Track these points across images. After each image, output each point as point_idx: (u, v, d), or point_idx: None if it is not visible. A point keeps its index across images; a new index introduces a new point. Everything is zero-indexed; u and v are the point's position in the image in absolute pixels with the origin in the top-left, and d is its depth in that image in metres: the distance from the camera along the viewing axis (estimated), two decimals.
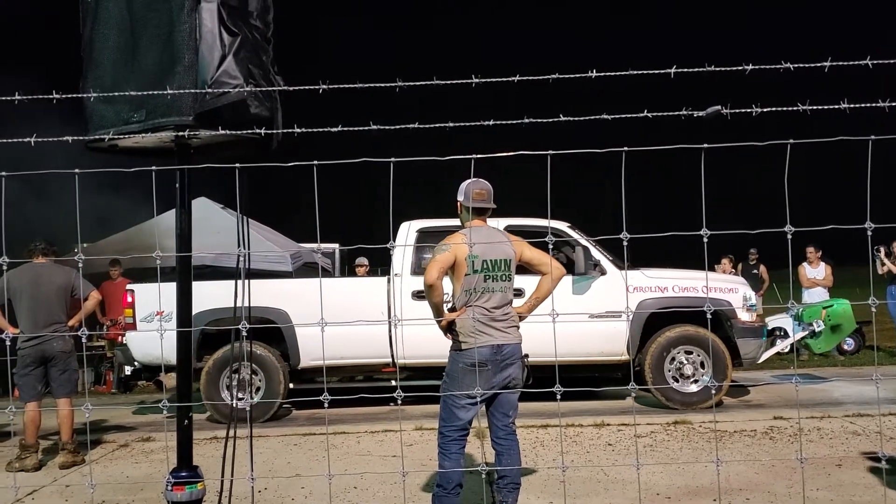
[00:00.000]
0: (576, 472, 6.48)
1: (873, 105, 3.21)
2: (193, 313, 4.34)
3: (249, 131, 3.76)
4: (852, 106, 3.22)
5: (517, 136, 4.30)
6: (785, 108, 3.33)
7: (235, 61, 3.72)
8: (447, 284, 4.90)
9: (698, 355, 9.51)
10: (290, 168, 3.66)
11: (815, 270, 14.29)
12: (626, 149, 3.39)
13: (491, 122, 3.31)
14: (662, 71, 3.29)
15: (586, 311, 9.25)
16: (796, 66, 3.18)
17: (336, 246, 14.24)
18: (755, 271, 16.16)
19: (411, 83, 3.36)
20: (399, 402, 3.62)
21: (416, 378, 10.19)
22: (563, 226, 9.70)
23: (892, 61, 3.19)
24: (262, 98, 3.85)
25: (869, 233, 3.46)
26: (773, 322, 14.69)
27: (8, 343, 3.94)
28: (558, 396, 3.63)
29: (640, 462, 6.56)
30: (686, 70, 3.25)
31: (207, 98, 3.68)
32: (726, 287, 9.90)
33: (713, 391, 9.19)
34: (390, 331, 9.51)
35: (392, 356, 9.63)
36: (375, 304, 9.57)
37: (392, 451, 7.56)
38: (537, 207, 8.56)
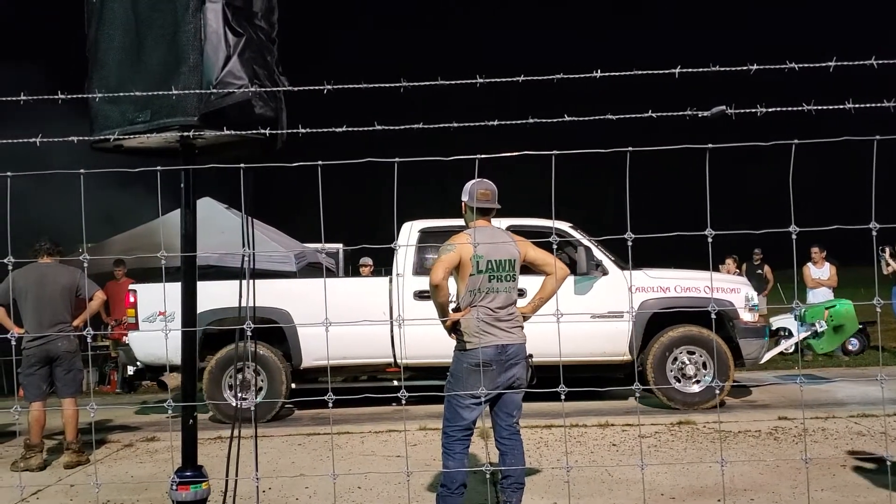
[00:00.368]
0: (580, 473, 6.48)
1: (878, 105, 3.20)
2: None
3: (254, 131, 3.77)
4: (857, 106, 3.21)
5: (519, 136, 4.30)
6: (790, 109, 3.33)
7: (240, 62, 3.73)
8: (452, 284, 4.91)
9: (700, 356, 9.51)
10: (295, 168, 3.66)
11: (820, 271, 14.28)
12: (630, 149, 3.39)
13: (495, 123, 3.31)
14: (667, 71, 3.28)
15: (588, 312, 9.25)
16: (801, 65, 3.17)
17: (340, 246, 14.23)
18: (760, 271, 16.14)
19: (415, 83, 3.36)
20: (403, 402, 3.63)
21: (419, 378, 10.20)
22: (564, 226, 9.69)
23: None
24: (266, 98, 3.86)
25: (874, 233, 3.45)
26: (777, 322, 14.68)
27: (13, 343, 3.95)
28: (562, 397, 3.62)
29: (645, 462, 6.55)
30: (690, 70, 3.24)
31: (212, 98, 3.68)
32: (728, 287, 9.90)
33: (717, 391, 9.19)
34: (392, 331, 9.52)
35: (394, 356, 9.64)
36: (377, 304, 9.58)
37: (396, 451, 7.56)
38: (539, 207, 8.57)
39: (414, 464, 6.83)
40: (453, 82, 3.31)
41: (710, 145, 3.33)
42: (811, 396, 10.13)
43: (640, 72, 3.37)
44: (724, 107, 3.32)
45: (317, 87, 3.37)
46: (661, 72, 3.32)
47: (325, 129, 3.49)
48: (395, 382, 10.70)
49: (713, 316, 3.78)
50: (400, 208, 3.77)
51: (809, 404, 9.28)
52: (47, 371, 7.59)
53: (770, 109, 3.27)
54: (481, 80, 3.24)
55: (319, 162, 3.48)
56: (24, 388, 7.67)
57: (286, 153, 4.04)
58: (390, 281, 9.76)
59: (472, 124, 3.34)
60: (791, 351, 13.41)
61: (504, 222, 8.33)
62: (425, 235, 9.78)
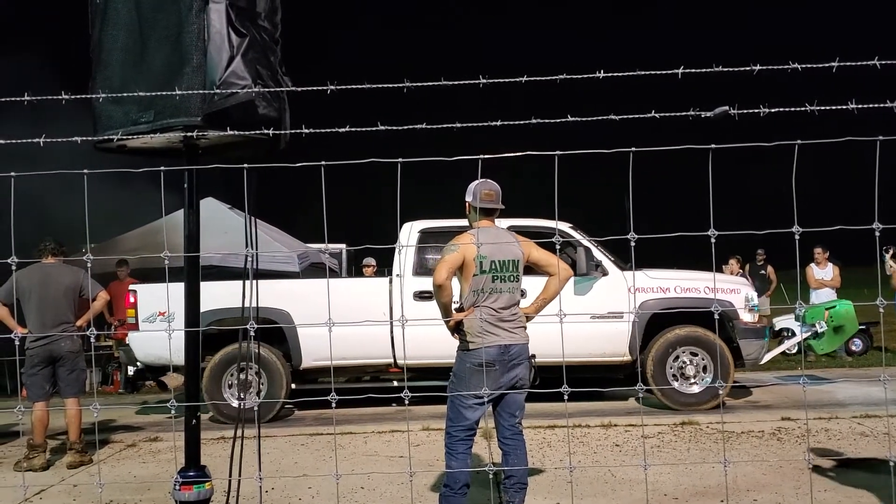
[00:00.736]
0: (583, 473, 6.48)
1: (881, 105, 3.20)
2: None
3: (257, 132, 3.77)
4: (860, 106, 3.21)
5: (521, 137, 4.30)
6: (793, 109, 3.33)
7: (244, 62, 3.73)
8: (455, 285, 4.91)
9: (701, 356, 9.51)
10: (298, 168, 3.66)
11: (823, 271, 14.27)
12: (633, 149, 3.39)
13: (499, 123, 3.31)
14: (670, 71, 3.29)
15: (588, 312, 9.24)
16: (804, 66, 3.17)
17: (343, 246, 14.25)
18: (763, 272, 16.13)
19: (419, 84, 3.37)
20: (406, 402, 3.63)
21: (419, 378, 10.21)
22: (564, 226, 9.69)
23: None
24: (270, 99, 3.86)
25: (877, 233, 3.45)
26: (780, 323, 14.67)
27: (17, 343, 3.96)
28: (566, 397, 3.63)
29: (648, 463, 6.56)
30: (693, 70, 3.24)
31: (216, 99, 3.69)
32: (728, 288, 9.90)
33: (720, 391, 9.19)
34: (392, 332, 9.53)
35: (393, 357, 9.65)
36: (377, 304, 9.58)
37: (399, 452, 7.56)
38: (539, 207, 8.58)
39: (417, 464, 6.83)
40: (456, 83, 3.32)
41: (712, 146, 3.33)
42: (814, 397, 10.12)
43: (643, 72, 3.37)
44: (727, 107, 3.32)
45: (320, 88, 3.37)
46: (664, 72, 3.33)
47: (329, 130, 3.50)
48: (395, 383, 10.70)
49: (716, 317, 3.77)
50: (403, 209, 3.78)
51: (812, 405, 9.27)
52: (50, 371, 7.60)
53: (773, 110, 3.27)
54: (484, 81, 3.24)
55: (323, 162, 3.48)
56: (27, 388, 7.68)
57: (289, 153, 4.04)
58: (390, 281, 9.77)
59: (475, 125, 3.34)
60: (794, 351, 13.40)
61: (504, 223, 8.34)
62: (425, 236, 9.78)
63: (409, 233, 9.79)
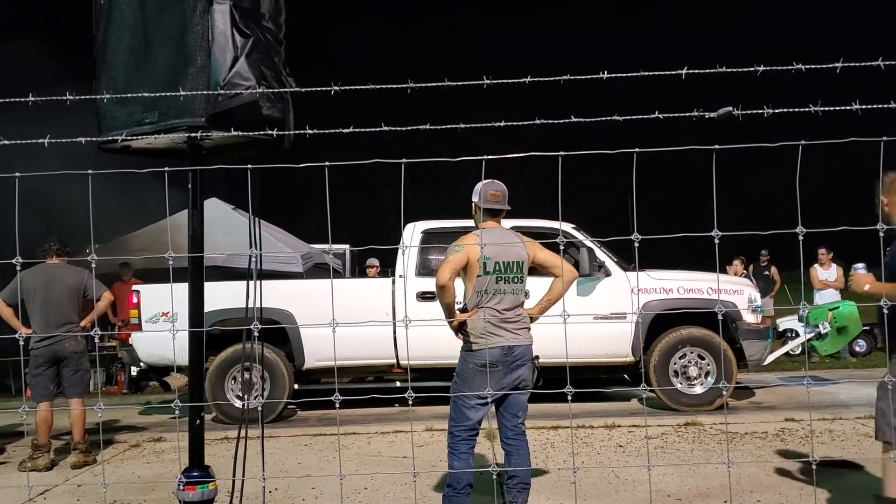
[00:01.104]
0: (586, 474, 6.48)
1: (885, 106, 3.20)
2: None
3: (261, 132, 3.77)
4: (864, 107, 3.21)
5: (522, 137, 4.30)
6: (797, 110, 3.32)
7: (248, 63, 3.74)
8: (459, 285, 4.92)
9: (703, 357, 9.50)
10: (302, 169, 3.67)
11: (827, 272, 14.25)
12: (637, 150, 3.39)
13: (502, 123, 3.31)
14: (674, 72, 3.28)
15: (591, 313, 9.24)
16: (808, 66, 3.17)
17: (347, 247, 14.26)
18: (766, 273, 16.12)
19: (422, 84, 3.37)
20: (410, 402, 3.63)
21: (422, 379, 10.21)
22: (567, 227, 9.69)
23: None
24: (273, 99, 3.87)
25: (881, 234, 3.45)
26: (784, 324, 14.65)
27: (21, 343, 3.96)
28: (569, 398, 3.63)
29: (651, 463, 6.55)
30: (697, 71, 3.24)
31: (220, 99, 3.69)
32: (731, 289, 9.89)
33: (724, 391, 9.19)
34: (395, 332, 9.53)
35: (396, 357, 9.65)
36: (380, 305, 9.58)
37: (402, 452, 7.56)
38: (542, 208, 8.57)
39: (420, 464, 6.83)
40: (460, 83, 3.32)
41: (716, 146, 3.33)
42: (818, 398, 10.11)
43: (646, 73, 3.36)
44: (730, 108, 3.32)
45: (324, 88, 3.38)
46: (667, 73, 3.32)
47: (332, 130, 3.50)
48: (398, 384, 10.71)
49: (720, 317, 3.77)
50: (407, 209, 3.78)
51: (816, 406, 9.26)
52: (55, 371, 7.61)
53: (777, 111, 3.27)
54: (489, 81, 3.25)
55: (327, 163, 3.48)
56: (31, 389, 7.70)
57: (293, 154, 4.04)
58: (393, 282, 9.77)
59: (479, 125, 3.34)
60: (798, 352, 13.39)
61: (507, 223, 8.34)
62: (428, 236, 9.78)
63: (412, 233, 9.79)
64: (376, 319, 8.94)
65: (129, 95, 3.72)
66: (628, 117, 3.30)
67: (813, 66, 3.19)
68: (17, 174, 3.46)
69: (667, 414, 9.02)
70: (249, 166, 3.58)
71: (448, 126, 3.31)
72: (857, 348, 14.33)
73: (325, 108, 3.98)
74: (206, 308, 4.31)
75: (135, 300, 9.79)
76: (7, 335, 4.50)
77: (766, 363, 10.30)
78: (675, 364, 9.46)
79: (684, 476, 6.30)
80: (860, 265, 4.97)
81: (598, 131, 3.67)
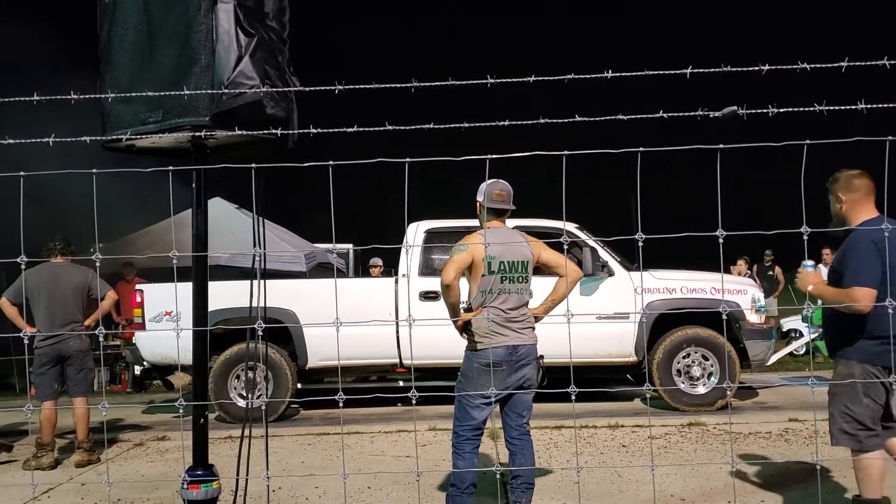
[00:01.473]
0: (590, 474, 6.47)
1: (891, 106, 3.19)
2: None
3: (265, 132, 3.77)
4: (869, 106, 3.20)
5: (526, 136, 4.30)
6: (801, 109, 3.32)
7: (252, 62, 3.74)
8: (464, 284, 4.92)
9: (707, 358, 9.50)
10: (306, 168, 3.67)
11: None
12: (641, 149, 3.38)
13: (506, 123, 3.31)
14: (679, 71, 3.28)
15: (594, 313, 9.23)
16: (813, 66, 3.16)
17: (350, 246, 14.27)
18: (771, 272, 16.10)
19: (426, 83, 3.37)
20: (413, 402, 3.63)
21: (425, 378, 10.21)
22: (571, 226, 9.68)
23: None
24: (277, 98, 3.87)
25: (886, 234, 3.44)
26: (788, 324, 14.63)
27: (26, 342, 3.97)
28: (573, 397, 3.62)
29: (655, 463, 6.54)
30: (702, 70, 3.24)
31: (224, 99, 3.69)
32: (735, 289, 9.87)
33: (728, 391, 9.18)
34: (398, 332, 9.53)
35: (399, 357, 9.65)
36: (383, 304, 9.58)
37: (406, 452, 7.57)
38: (546, 208, 8.56)
39: (424, 464, 6.83)
40: (464, 82, 3.32)
41: (721, 146, 3.32)
42: (822, 398, 10.02)
43: (651, 72, 3.36)
44: (735, 107, 3.32)
45: (328, 88, 3.38)
46: (672, 72, 3.32)
47: (336, 130, 3.50)
48: (401, 383, 10.71)
49: (724, 317, 3.77)
50: (410, 208, 3.78)
51: (820, 406, 9.17)
52: (59, 370, 7.63)
53: (781, 110, 3.26)
54: (492, 81, 3.24)
55: (330, 162, 3.48)
56: (35, 387, 7.71)
57: (297, 153, 4.05)
58: (396, 282, 9.77)
59: (482, 124, 3.34)
60: (802, 352, 13.37)
61: (510, 223, 8.34)
62: (431, 236, 9.78)
63: (415, 233, 9.79)
64: (379, 319, 8.95)
65: (134, 94, 3.72)
66: (633, 116, 3.29)
67: (818, 66, 3.18)
68: (21, 173, 3.46)
69: (670, 414, 9.01)
70: (253, 165, 3.58)
71: (452, 125, 3.31)
72: None
73: (328, 107, 3.98)
74: (210, 307, 4.31)
75: (138, 299, 9.81)
76: (12, 334, 4.50)
77: (769, 363, 10.28)
78: (678, 363, 9.46)
79: (688, 476, 6.29)
80: (809, 262, 4.98)
81: (601, 131, 3.67)
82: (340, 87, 3.35)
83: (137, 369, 11.63)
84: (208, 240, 4.21)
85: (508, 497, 5.05)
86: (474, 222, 5.31)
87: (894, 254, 4.27)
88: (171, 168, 3.67)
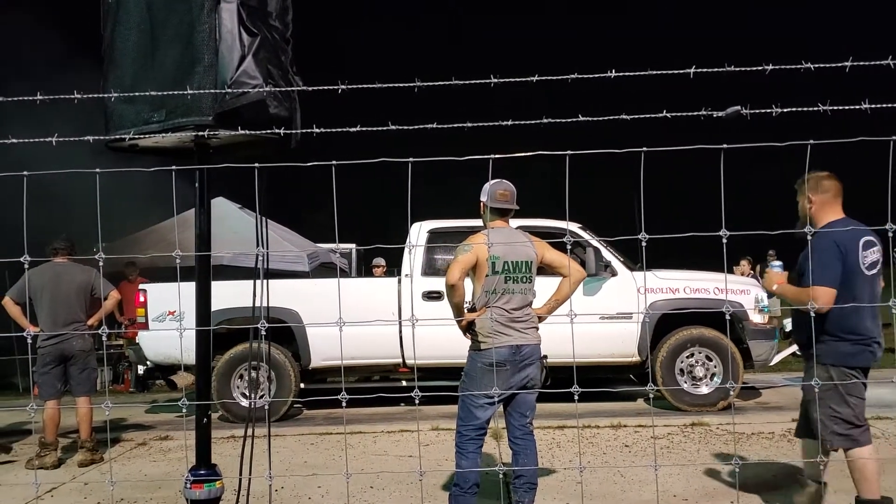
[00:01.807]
0: (592, 474, 6.47)
1: (895, 106, 3.18)
2: None
3: (268, 131, 3.77)
4: (873, 106, 3.19)
5: (529, 136, 4.29)
6: (805, 109, 3.31)
7: (255, 61, 3.73)
8: (468, 284, 4.92)
9: (710, 359, 9.49)
10: (309, 168, 3.67)
11: None
12: (644, 149, 3.38)
13: (510, 122, 3.31)
14: (682, 71, 3.27)
15: (597, 313, 9.23)
16: (817, 65, 3.16)
17: (353, 246, 14.28)
18: None
19: (430, 83, 3.37)
20: (417, 402, 3.63)
21: (428, 378, 10.21)
22: (574, 226, 9.68)
23: None
24: (281, 98, 3.86)
25: (890, 234, 3.43)
26: (791, 324, 14.56)
27: (29, 341, 3.97)
28: (576, 397, 3.62)
29: (658, 463, 6.54)
30: (705, 70, 3.23)
31: (227, 98, 3.69)
32: (738, 289, 9.87)
33: (731, 391, 9.17)
34: (400, 332, 9.53)
35: (402, 357, 9.65)
36: (386, 304, 9.58)
37: (409, 451, 7.57)
38: (549, 207, 8.56)
39: (426, 464, 6.83)
40: (467, 82, 3.31)
41: (724, 145, 3.31)
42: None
43: (654, 72, 3.36)
44: (739, 107, 3.31)
45: (331, 87, 3.37)
46: (675, 72, 3.32)
47: (339, 129, 3.50)
48: (405, 383, 10.71)
49: (727, 317, 3.76)
50: (413, 208, 3.77)
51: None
52: (62, 370, 7.64)
53: (785, 109, 3.25)
54: (495, 80, 3.24)
55: (333, 162, 3.48)
56: (39, 387, 7.72)
57: (300, 153, 4.04)
58: (399, 281, 9.77)
59: (485, 124, 3.34)
60: None
61: (513, 223, 8.34)
62: (434, 236, 9.79)
63: (419, 233, 9.80)
64: (383, 319, 8.95)
65: (137, 94, 3.72)
66: (636, 116, 3.29)
67: (822, 66, 3.18)
68: (24, 173, 3.47)
69: (673, 414, 9.00)
70: (256, 165, 3.58)
71: (455, 125, 3.31)
72: None
73: (331, 107, 3.98)
74: (214, 307, 4.31)
75: (142, 299, 9.82)
76: (15, 333, 4.51)
77: (772, 363, 10.27)
78: (681, 363, 9.45)
79: (690, 476, 6.29)
80: (777, 263, 5.08)
81: (604, 131, 3.66)
82: (343, 86, 3.34)
83: (141, 369, 11.65)
84: (211, 240, 4.21)
85: (511, 497, 5.05)
86: (477, 222, 5.31)
87: (853, 255, 4.37)
88: (174, 168, 3.66)
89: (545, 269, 5.13)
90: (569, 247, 3.93)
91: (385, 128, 3.36)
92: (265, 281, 4.17)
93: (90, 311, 7.83)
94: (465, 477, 4.73)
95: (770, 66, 3.19)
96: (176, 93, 3.62)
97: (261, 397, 9.14)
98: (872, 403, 9.32)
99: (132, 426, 9.59)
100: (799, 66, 3.19)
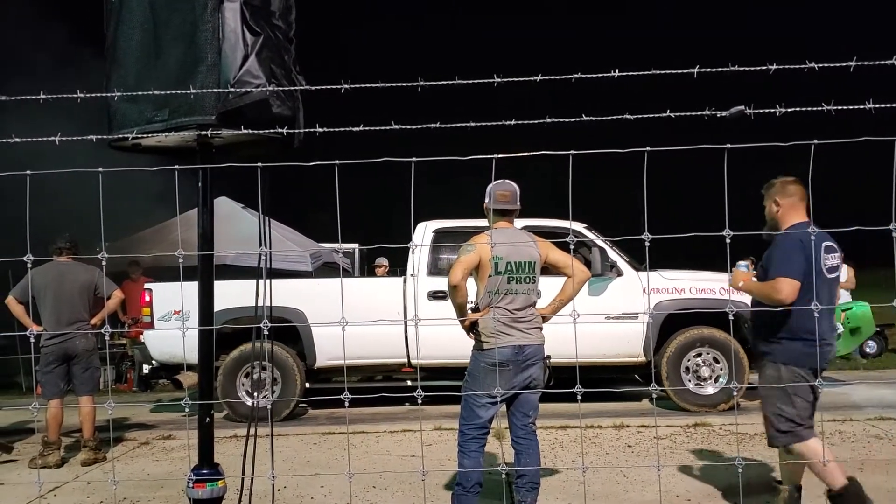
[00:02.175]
0: (595, 474, 6.46)
1: None
2: None
3: (271, 131, 3.77)
4: (877, 106, 3.19)
5: (532, 136, 4.29)
6: (809, 109, 3.31)
7: (258, 61, 3.73)
8: (471, 285, 4.92)
9: (717, 360, 9.48)
10: (311, 167, 3.67)
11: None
12: (648, 149, 3.37)
13: (513, 122, 3.31)
14: (685, 70, 3.27)
15: (603, 313, 9.22)
16: (821, 65, 3.15)
17: (356, 246, 14.28)
18: None
19: (433, 83, 3.36)
20: (420, 401, 3.63)
21: (432, 378, 10.21)
22: (579, 226, 9.68)
23: None
24: (284, 97, 3.86)
25: (894, 234, 3.43)
26: None
27: (32, 341, 3.98)
28: (579, 397, 3.62)
29: (661, 464, 6.53)
30: (709, 70, 3.23)
31: (230, 97, 3.69)
32: None
33: (735, 392, 9.16)
34: (406, 331, 9.53)
35: (407, 357, 9.65)
36: (391, 304, 9.58)
37: (411, 451, 7.56)
38: (553, 207, 8.56)
39: (429, 463, 6.83)
40: (470, 81, 3.31)
41: (728, 145, 3.31)
42: (828, 399, 10.04)
43: (658, 72, 3.35)
44: (742, 107, 3.30)
45: (334, 87, 3.37)
46: (679, 71, 3.31)
47: (342, 129, 3.50)
48: (409, 382, 10.71)
49: (731, 318, 3.75)
50: (416, 208, 3.77)
51: (826, 407, 9.18)
52: (65, 369, 7.64)
53: (789, 109, 3.25)
54: (499, 80, 3.24)
55: (336, 161, 3.48)
56: (42, 386, 7.73)
57: (303, 152, 4.05)
58: (404, 281, 9.77)
59: (488, 123, 3.33)
60: None
61: (518, 223, 8.34)
62: (439, 236, 9.78)
63: (424, 233, 9.80)
64: (388, 318, 8.95)
65: (140, 93, 3.72)
66: (639, 116, 3.28)
67: (825, 66, 3.17)
68: (28, 172, 3.47)
69: (676, 414, 8.99)
70: (259, 164, 3.58)
71: (458, 125, 3.31)
72: (868, 349, 14.24)
73: (334, 106, 3.98)
74: (218, 307, 4.31)
75: (147, 298, 9.83)
76: (18, 332, 4.51)
77: None
78: (688, 361, 9.45)
79: (693, 477, 6.28)
80: (743, 262, 5.19)
81: (607, 131, 3.66)
82: (346, 86, 3.34)
83: (145, 368, 11.66)
84: (214, 239, 4.22)
85: (514, 496, 5.04)
86: (483, 222, 5.31)
87: (816, 255, 4.41)
88: (177, 167, 3.67)
89: (551, 270, 5.13)
90: (572, 247, 3.93)
91: (388, 127, 3.36)
92: (267, 280, 4.17)
93: (93, 310, 7.84)
94: (468, 476, 4.73)
95: (774, 66, 3.18)
96: (179, 92, 3.63)
97: (263, 397, 9.14)
98: (876, 404, 9.35)
99: (135, 425, 9.59)
100: (803, 66, 3.18)
